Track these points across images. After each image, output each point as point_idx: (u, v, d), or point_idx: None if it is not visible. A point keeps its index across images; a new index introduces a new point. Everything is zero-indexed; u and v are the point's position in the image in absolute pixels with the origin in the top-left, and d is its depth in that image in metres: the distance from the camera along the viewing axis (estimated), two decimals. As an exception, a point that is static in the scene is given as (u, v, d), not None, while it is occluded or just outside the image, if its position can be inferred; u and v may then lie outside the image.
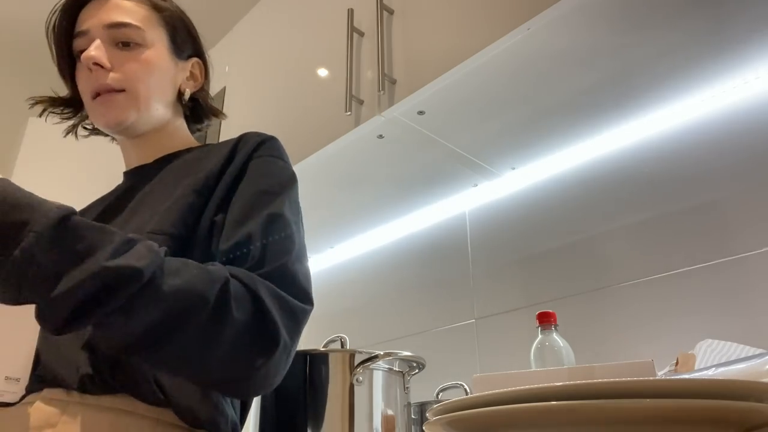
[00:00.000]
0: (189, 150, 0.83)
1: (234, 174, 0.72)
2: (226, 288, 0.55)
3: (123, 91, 0.77)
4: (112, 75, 0.77)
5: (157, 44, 0.82)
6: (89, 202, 0.86)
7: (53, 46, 0.82)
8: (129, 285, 0.49)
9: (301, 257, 0.67)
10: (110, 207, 0.78)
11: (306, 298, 0.64)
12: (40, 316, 0.49)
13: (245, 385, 0.59)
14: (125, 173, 0.86)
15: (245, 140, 0.77)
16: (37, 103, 0.85)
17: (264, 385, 0.60)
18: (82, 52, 0.78)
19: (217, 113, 0.94)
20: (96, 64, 0.76)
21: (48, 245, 0.47)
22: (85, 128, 0.91)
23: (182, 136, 0.87)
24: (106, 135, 0.89)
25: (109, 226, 0.52)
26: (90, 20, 0.78)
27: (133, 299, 0.50)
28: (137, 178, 0.82)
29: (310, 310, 0.64)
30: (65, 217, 0.49)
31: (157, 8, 0.83)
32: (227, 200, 0.70)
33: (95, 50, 0.75)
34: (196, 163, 0.77)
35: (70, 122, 0.90)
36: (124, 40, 0.79)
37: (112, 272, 0.48)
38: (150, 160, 0.83)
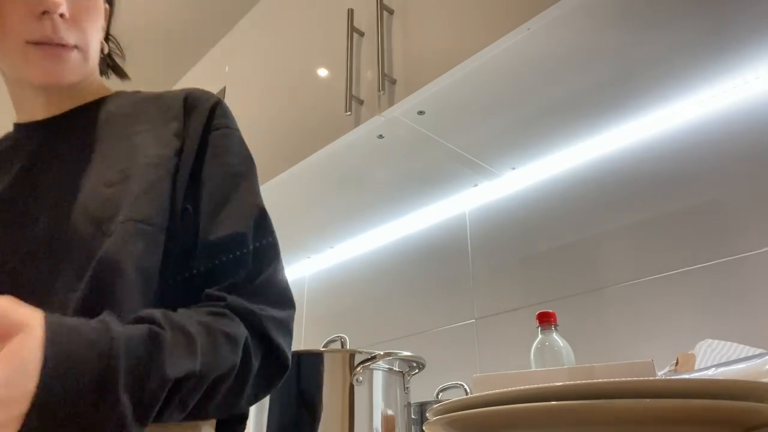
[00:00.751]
0: (109, 99, 0.75)
1: (194, 151, 0.66)
2: (247, 348, 0.58)
3: (75, 48, 0.68)
4: (67, 28, 0.66)
5: None
6: None
7: None
8: (187, 386, 0.52)
9: (280, 258, 0.68)
10: (27, 170, 0.66)
11: (291, 302, 0.66)
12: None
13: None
14: (28, 125, 0.73)
15: (192, 103, 0.70)
16: None
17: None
18: None
19: (123, 75, 0.84)
20: (61, 15, 0.65)
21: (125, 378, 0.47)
22: None
23: (98, 84, 0.77)
24: None
25: (152, 328, 0.50)
26: None
27: (188, 394, 0.52)
28: (50, 133, 0.71)
29: (295, 312, 0.67)
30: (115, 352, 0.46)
31: None
32: (193, 183, 0.65)
33: None
34: (133, 122, 0.70)
35: None
36: None
37: (178, 382, 0.50)
38: (60, 111, 0.73)
